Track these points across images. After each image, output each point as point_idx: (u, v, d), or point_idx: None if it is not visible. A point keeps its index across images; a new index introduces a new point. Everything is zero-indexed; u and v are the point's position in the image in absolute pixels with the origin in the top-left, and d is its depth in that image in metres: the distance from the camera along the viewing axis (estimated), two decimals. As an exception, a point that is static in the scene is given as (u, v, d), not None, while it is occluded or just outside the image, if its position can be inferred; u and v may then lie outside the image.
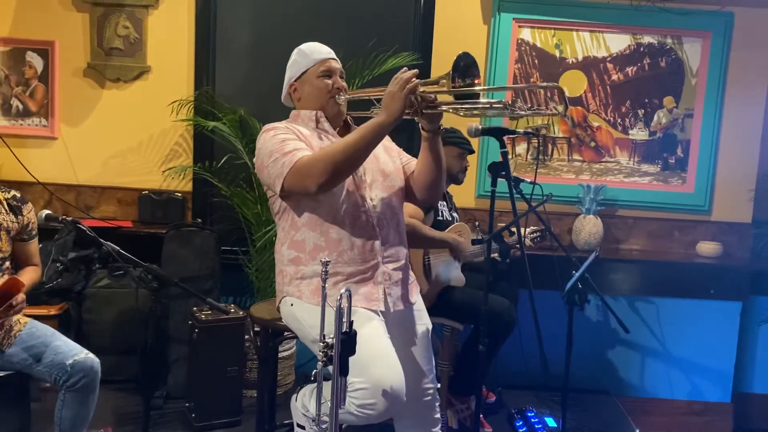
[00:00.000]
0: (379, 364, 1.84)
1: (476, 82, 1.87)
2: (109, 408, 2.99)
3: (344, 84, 2.12)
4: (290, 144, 1.95)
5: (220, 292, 3.36)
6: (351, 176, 1.98)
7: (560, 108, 1.85)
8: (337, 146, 1.89)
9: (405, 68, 1.91)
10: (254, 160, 2.07)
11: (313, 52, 2.11)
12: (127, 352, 3.22)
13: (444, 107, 1.92)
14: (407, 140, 3.43)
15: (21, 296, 2.19)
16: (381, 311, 2.00)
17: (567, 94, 1.82)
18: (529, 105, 3.58)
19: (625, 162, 3.63)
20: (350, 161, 1.89)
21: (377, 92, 1.98)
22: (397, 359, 1.90)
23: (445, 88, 1.85)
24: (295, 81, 2.13)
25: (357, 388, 1.82)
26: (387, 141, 2.22)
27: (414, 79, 1.85)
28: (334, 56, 2.13)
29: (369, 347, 1.84)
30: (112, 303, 3.23)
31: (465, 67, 1.85)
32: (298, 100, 2.14)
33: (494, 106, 1.86)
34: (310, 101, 2.11)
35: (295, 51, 2.15)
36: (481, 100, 1.87)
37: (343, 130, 2.15)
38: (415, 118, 1.95)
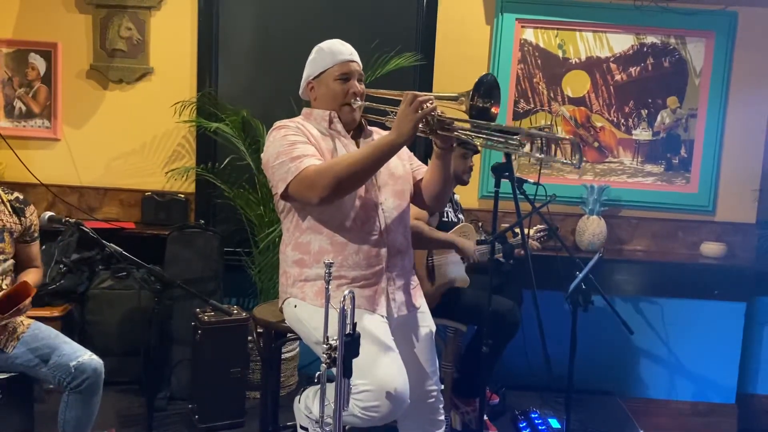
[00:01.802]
0: (383, 366, 1.84)
1: (493, 110, 1.83)
2: (113, 409, 2.99)
3: (362, 88, 2.07)
4: (299, 148, 1.92)
5: (223, 293, 3.36)
6: (358, 188, 1.96)
7: (575, 159, 1.80)
8: (344, 161, 1.87)
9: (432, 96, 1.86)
10: (262, 155, 2.05)
11: (334, 52, 2.06)
12: (130, 353, 3.22)
13: (458, 133, 1.88)
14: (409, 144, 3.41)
15: (29, 300, 2.19)
16: (384, 315, 2.00)
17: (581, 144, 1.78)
18: (532, 106, 3.58)
19: (628, 162, 3.62)
20: (355, 178, 1.87)
21: (395, 95, 1.96)
22: (401, 361, 1.90)
23: (463, 107, 1.81)
24: (313, 80, 2.09)
25: (361, 390, 1.81)
26: None
27: (430, 102, 1.82)
28: (355, 58, 2.08)
29: (373, 350, 1.84)
30: (115, 304, 3.23)
31: (487, 88, 1.82)
32: (314, 99, 2.11)
33: (509, 142, 1.81)
34: (325, 102, 2.07)
35: (316, 48, 2.11)
36: (497, 134, 1.81)
37: (357, 132, 2.13)
38: (430, 137, 1.93)
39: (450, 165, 2.02)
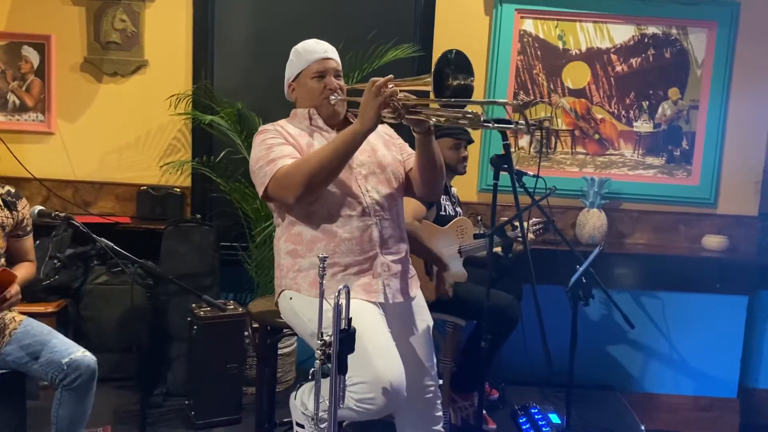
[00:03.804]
0: (379, 358, 1.82)
1: (471, 83, 1.82)
2: (109, 406, 2.97)
3: (340, 83, 2.09)
4: (275, 151, 1.96)
5: (220, 288, 3.33)
6: (347, 168, 1.97)
7: (522, 126, 1.83)
8: (312, 157, 1.89)
9: (391, 76, 1.87)
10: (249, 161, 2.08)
11: (308, 52, 2.10)
12: (126, 349, 3.19)
13: (424, 114, 1.88)
14: (408, 134, 3.38)
15: (15, 288, 2.15)
16: (380, 303, 1.98)
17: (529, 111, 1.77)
18: (533, 97, 3.54)
19: (629, 154, 3.58)
20: (326, 172, 1.89)
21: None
22: (397, 354, 1.88)
23: (428, 88, 1.79)
24: (293, 81, 2.14)
25: (356, 382, 1.79)
26: (389, 134, 2.20)
27: (390, 84, 1.81)
28: (330, 55, 2.11)
29: (369, 341, 1.82)
30: (111, 300, 3.20)
31: (456, 65, 1.81)
32: (296, 100, 2.16)
33: (467, 116, 1.84)
34: (305, 101, 2.12)
35: (292, 50, 2.15)
36: (459, 109, 1.83)
37: (343, 126, 2.11)
38: (402, 122, 1.91)
39: (433, 150, 2.00)
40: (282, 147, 1.98)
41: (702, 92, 3.52)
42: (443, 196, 2.87)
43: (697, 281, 3.42)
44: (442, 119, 1.89)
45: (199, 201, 3.54)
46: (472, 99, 1.85)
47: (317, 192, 1.93)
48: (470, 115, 1.83)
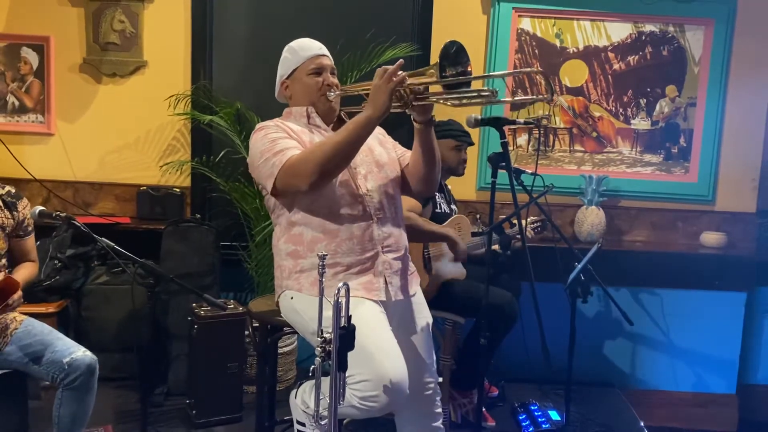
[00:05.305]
0: (382, 356, 1.82)
1: (468, 69, 1.84)
2: (110, 406, 2.98)
3: (335, 80, 2.10)
4: (280, 143, 1.94)
5: (220, 288, 3.34)
6: (346, 168, 1.96)
7: (547, 95, 1.84)
8: (326, 144, 1.88)
9: (401, 61, 1.88)
10: (248, 159, 2.07)
11: (303, 49, 2.10)
12: (127, 349, 3.20)
13: (433, 98, 1.89)
14: (407, 134, 3.38)
15: (18, 294, 2.16)
16: (382, 301, 1.99)
17: (553, 80, 1.80)
18: (530, 96, 3.55)
19: (627, 152, 3.59)
20: (339, 158, 1.88)
21: (366, 86, 1.96)
22: (400, 352, 1.88)
23: (433, 79, 1.82)
24: (287, 79, 2.13)
25: (359, 380, 1.79)
26: (381, 134, 2.21)
27: (400, 71, 1.83)
28: (325, 52, 2.12)
29: (372, 339, 1.82)
30: (112, 300, 3.21)
31: (454, 55, 1.83)
32: (290, 98, 2.15)
33: (482, 94, 1.85)
34: (301, 99, 2.11)
35: (286, 48, 2.15)
36: (469, 88, 1.85)
37: (337, 125, 2.13)
38: (406, 111, 1.93)
39: (432, 141, 2.01)
40: (287, 140, 1.96)
41: (699, 89, 3.53)
42: (438, 194, 2.88)
43: (696, 278, 3.43)
44: (455, 101, 1.90)
45: (198, 201, 3.55)
46: (476, 75, 1.87)
47: (329, 180, 1.91)
48: (486, 93, 1.83)
